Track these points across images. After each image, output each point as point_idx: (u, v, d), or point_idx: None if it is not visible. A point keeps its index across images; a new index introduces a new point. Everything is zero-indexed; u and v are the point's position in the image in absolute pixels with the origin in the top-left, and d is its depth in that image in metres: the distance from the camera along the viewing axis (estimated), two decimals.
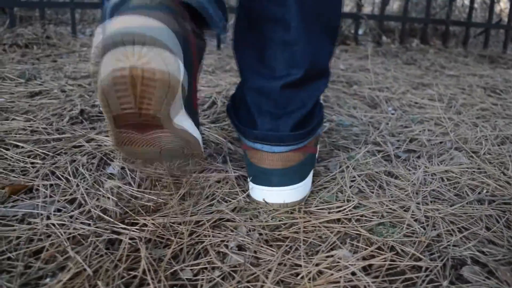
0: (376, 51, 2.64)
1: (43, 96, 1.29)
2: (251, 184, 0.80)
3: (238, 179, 0.87)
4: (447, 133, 1.21)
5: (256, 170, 0.79)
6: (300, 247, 0.67)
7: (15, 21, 2.19)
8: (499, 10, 3.93)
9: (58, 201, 0.75)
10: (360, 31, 3.05)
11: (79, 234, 0.67)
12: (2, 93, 1.28)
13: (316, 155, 0.91)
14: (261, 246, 0.67)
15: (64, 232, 0.67)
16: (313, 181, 0.87)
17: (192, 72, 0.69)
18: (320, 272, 0.62)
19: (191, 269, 0.62)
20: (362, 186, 0.87)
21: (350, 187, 0.87)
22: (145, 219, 0.71)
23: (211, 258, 0.64)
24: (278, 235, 0.70)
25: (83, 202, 0.76)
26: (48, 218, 0.71)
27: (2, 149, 0.92)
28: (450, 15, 2.99)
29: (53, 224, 0.69)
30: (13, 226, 0.68)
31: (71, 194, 0.78)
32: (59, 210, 0.73)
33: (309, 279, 0.60)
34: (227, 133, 1.10)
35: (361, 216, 0.77)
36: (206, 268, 0.62)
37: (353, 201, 0.81)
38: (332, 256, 0.65)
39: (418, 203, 0.82)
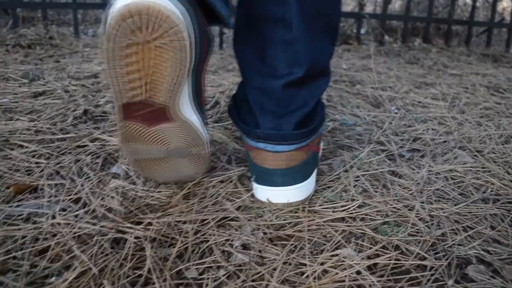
0: (378, 51, 2.64)
1: (46, 96, 1.29)
2: (254, 185, 0.80)
3: (242, 178, 0.87)
4: (451, 132, 1.21)
5: (259, 170, 0.79)
6: (305, 246, 0.67)
7: (18, 22, 2.20)
8: (501, 9, 3.93)
9: (63, 201, 0.76)
10: (362, 31, 3.05)
11: (84, 233, 0.67)
12: (6, 93, 1.28)
13: (319, 154, 0.91)
14: (266, 245, 0.67)
15: (70, 231, 0.67)
16: (317, 180, 0.87)
17: (201, 61, 0.70)
18: (325, 271, 0.62)
19: (196, 268, 0.62)
20: (366, 185, 0.87)
21: (354, 186, 0.87)
22: (150, 218, 0.71)
23: (216, 257, 0.64)
24: (283, 234, 0.71)
25: (88, 201, 0.76)
26: (53, 217, 0.71)
27: (6, 149, 0.92)
28: (452, 14, 2.99)
29: (58, 223, 0.69)
30: (18, 225, 0.68)
31: (75, 194, 0.78)
32: (64, 210, 0.73)
33: (314, 278, 0.60)
34: (231, 132, 1.10)
35: (366, 215, 0.77)
36: (211, 267, 0.62)
37: (358, 200, 0.81)
38: (337, 255, 0.65)
39: (423, 202, 0.82)
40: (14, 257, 0.61)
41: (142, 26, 0.59)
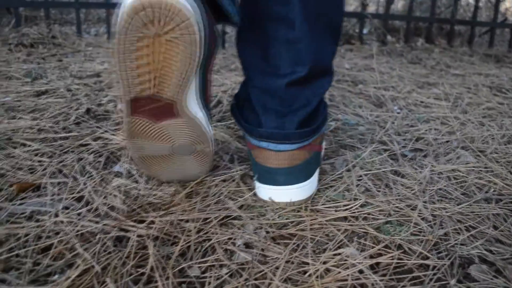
0: (381, 50, 2.63)
1: (49, 95, 1.29)
2: (257, 184, 0.80)
3: (245, 177, 0.87)
4: (454, 132, 1.21)
5: (262, 169, 0.79)
6: (307, 245, 0.67)
7: (20, 21, 2.20)
8: (504, 9, 3.92)
9: (66, 199, 0.76)
10: (365, 30, 3.05)
11: (87, 232, 0.67)
12: (8, 92, 1.28)
13: (322, 153, 0.91)
14: (269, 244, 0.67)
15: (72, 230, 0.67)
16: (319, 180, 0.87)
17: (208, 57, 0.70)
18: (327, 270, 0.62)
19: (198, 267, 0.62)
20: (369, 185, 0.87)
21: (356, 185, 0.86)
22: (152, 217, 0.72)
23: (218, 256, 0.64)
24: (285, 233, 0.71)
25: (90, 200, 0.76)
26: (56, 215, 0.71)
27: (9, 148, 0.92)
28: (455, 14, 2.98)
29: (61, 222, 0.69)
30: (21, 223, 0.68)
31: (78, 192, 0.78)
32: (66, 208, 0.73)
33: (317, 277, 0.60)
34: (233, 131, 1.10)
35: (368, 214, 0.77)
36: (213, 265, 0.62)
37: (360, 199, 0.81)
38: (339, 254, 0.65)
39: (425, 202, 0.82)
40: (17, 255, 0.61)
41: (154, 19, 0.60)
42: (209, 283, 0.59)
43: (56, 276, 0.58)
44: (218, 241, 0.67)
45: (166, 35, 0.62)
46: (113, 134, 1.01)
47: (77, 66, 1.67)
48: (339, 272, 0.61)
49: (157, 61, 0.64)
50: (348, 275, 0.60)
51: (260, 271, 0.61)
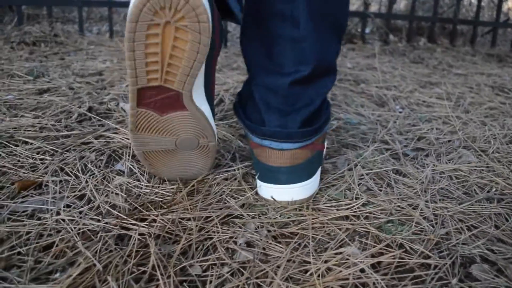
0: (383, 50, 2.63)
1: (51, 93, 1.29)
2: (258, 182, 0.80)
3: (246, 176, 0.87)
4: (455, 132, 1.21)
5: (263, 168, 0.79)
6: (309, 244, 0.67)
7: (22, 19, 2.20)
8: (506, 9, 3.91)
9: (68, 197, 0.76)
10: (367, 30, 3.04)
11: (88, 230, 0.67)
12: (10, 90, 1.28)
13: (324, 153, 0.91)
14: (270, 243, 0.67)
15: (74, 228, 0.67)
16: (321, 179, 0.87)
17: (214, 50, 0.71)
18: (329, 269, 0.62)
19: (200, 265, 0.62)
20: (370, 184, 0.87)
21: (358, 184, 0.86)
22: (154, 215, 0.72)
23: (220, 254, 0.64)
24: (287, 232, 0.70)
25: (92, 198, 0.76)
26: (58, 213, 0.71)
27: (11, 146, 0.92)
28: (457, 14, 2.98)
29: (63, 220, 0.69)
30: (23, 221, 0.68)
31: (80, 190, 0.78)
32: (68, 206, 0.74)
33: (318, 275, 0.60)
34: (235, 130, 1.10)
35: (370, 213, 0.77)
36: (215, 264, 0.62)
37: (362, 198, 0.81)
38: (341, 253, 0.65)
39: (427, 201, 0.82)
40: (19, 253, 0.62)
41: (165, 6, 0.61)
42: (211, 281, 0.59)
43: (58, 274, 0.58)
44: (220, 239, 0.67)
45: (176, 23, 0.62)
46: (115, 133, 1.01)
47: (79, 65, 1.67)
48: (341, 271, 0.61)
49: (166, 50, 0.65)
50: (349, 274, 0.60)
51: (262, 270, 0.61)
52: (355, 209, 0.77)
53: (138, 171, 0.86)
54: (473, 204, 0.82)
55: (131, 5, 0.61)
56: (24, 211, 0.71)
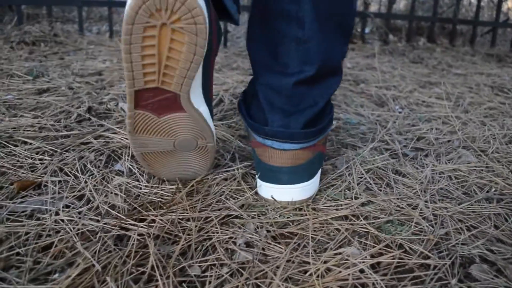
0: (383, 50, 2.63)
1: (50, 93, 1.29)
2: (259, 182, 0.80)
3: (246, 176, 0.87)
4: (455, 132, 1.21)
5: (265, 167, 0.79)
6: (308, 245, 0.67)
7: (22, 19, 2.20)
8: (506, 9, 3.91)
9: (67, 197, 0.76)
10: (367, 30, 3.04)
11: (87, 230, 0.67)
12: (10, 90, 1.28)
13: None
14: (269, 243, 0.67)
15: (73, 228, 0.67)
16: (320, 179, 0.87)
17: (212, 50, 0.70)
18: (328, 270, 0.62)
19: (199, 266, 0.62)
20: (370, 184, 0.87)
21: (357, 184, 0.86)
22: (153, 215, 0.71)
23: (219, 255, 0.64)
24: (286, 232, 0.70)
25: (91, 198, 0.76)
26: (57, 214, 0.71)
27: (10, 146, 0.92)
28: (457, 14, 2.98)
29: (62, 220, 0.69)
30: (22, 221, 0.68)
31: (79, 191, 0.78)
32: (67, 206, 0.73)
33: (318, 276, 0.60)
34: (235, 130, 1.10)
35: (369, 213, 0.77)
36: (214, 264, 0.62)
37: (361, 198, 0.81)
38: (340, 253, 0.65)
39: (426, 201, 0.82)
40: (18, 253, 0.61)
41: (161, 8, 0.61)
42: (210, 282, 0.58)
43: (57, 275, 0.58)
44: (219, 240, 0.67)
45: (172, 24, 0.62)
46: (115, 133, 1.01)
47: (79, 64, 1.67)
48: (340, 272, 0.61)
49: (163, 52, 0.65)
50: (348, 274, 0.60)
51: (261, 271, 0.61)
52: (355, 209, 0.77)
53: (138, 171, 0.86)
54: (472, 204, 0.82)
55: (127, 7, 0.61)
56: (23, 211, 0.71)
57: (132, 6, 0.60)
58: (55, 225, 0.68)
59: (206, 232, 0.69)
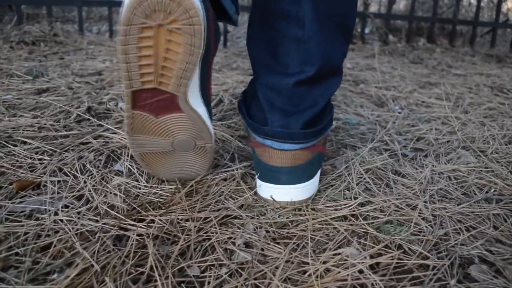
0: (382, 50, 2.63)
1: (50, 93, 1.29)
2: (258, 182, 0.80)
3: (245, 176, 0.87)
4: (455, 132, 1.21)
5: (264, 168, 0.79)
6: (307, 245, 0.67)
7: (22, 19, 2.20)
8: (506, 9, 3.91)
9: (66, 197, 0.76)
10: (367, 30, 3.04)
11: (86, 230, 0.67)
12: (9, 90, 1.28)
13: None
14: (268, 244, 0.67)
15: (72, 228, 0.67)
16: (320, 179, 0.87)
17: (209, 51, 0.70)
18: (327, 270, 0.62)
19: (198, 266, 0.62)
20: (369, 184, 0.87)
21: (357, 185, 0.86)
22: (152, 216, 0.71)
23: (218, 255, 0.64)
24: (286, 232, 0.70)
25: (90, 198, 0.76)
26: (56, 214, 0.71)
27: (10, 146, 0.92)
28: (457, 14, 2.98)
29: (61, 220, 0.69)
30: (21, 221, 0.68)
31: (78, 191, 0.78)
32: (66, 206, 0.73)
33: (317, 276, 0.60)
34: (234, 130, 1.10)
35: (368, 214, 0.77)
36: (213, 265, 0.62)
37: (360, 199, 0.81)
38: (339, 254, 0.65)
39: (426, 202, 0.82)
40: (17, 254, 0.61)
41: (157, 9, 0.61)
42: (209, 282, 0.58)
43: (55, 275, 0.58)
44: (218, 240, 0.67)
45: (169, 25, 0.62)
46: (114, 133, 1.01)
47: (79, 64, 1.67)
48: (339, 272, 0.61)
49: (160, 53, 0.65)
50: (348, 275, 0.60)
51: (260, 271, 0.61)
52: (354, 209, 0.77)
53: (137, 172, 0.86)
54: (471, 204, 0.82)
55: (123, 8, 0.61)
56: (22, 212, 0.71)
57: (129, 7, 0.60)
58: (54, 225, 0.68)
59: (205, 233, 0.69)
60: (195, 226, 0.69)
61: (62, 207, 0.73)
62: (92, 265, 0.59)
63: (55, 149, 0.92)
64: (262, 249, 0.66)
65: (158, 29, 0.62)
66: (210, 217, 0.73)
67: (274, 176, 0.77)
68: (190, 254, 0.64)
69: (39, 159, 0.88)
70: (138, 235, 0.67)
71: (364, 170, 0.93)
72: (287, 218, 0.75)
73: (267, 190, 0.78)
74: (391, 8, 2.83)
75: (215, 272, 0.60)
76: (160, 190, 0.80)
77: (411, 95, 1.61)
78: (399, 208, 0.79)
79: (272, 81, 0.77)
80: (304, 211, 0.77)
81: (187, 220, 0.72)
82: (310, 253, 0.65)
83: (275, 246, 0.67)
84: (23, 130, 1.00)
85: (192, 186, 0.81)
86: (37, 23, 2.27)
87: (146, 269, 0.59)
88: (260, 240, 0.67)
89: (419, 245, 0.68)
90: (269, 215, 0.75)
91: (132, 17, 0.61)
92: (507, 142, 1.15)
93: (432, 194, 0.85)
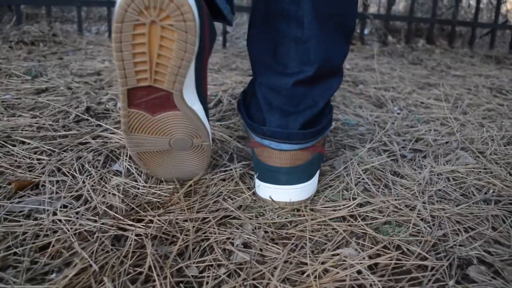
0: (382, 51, 2.63)
1: (49, 93, 1.29)
2: (257, 182, 0.80)
3: (244, 177, 0.87)
4: (453, 133, 1.21)
5: (264, 168, 0.78)
6: (306, 245, 0.67)
7: (21, 19, 2.20)
8: (505, 11, 3.92)
9: (64, 197, 0.76)
10: (366, 31, 3.05)
11: (85, 230, 0.67)
12: (8, 89, 1.28)
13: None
14: (267, 244, 0.67)
15: (70, 228, 0.67)
16: (319, 180, 0.87)
17: (204, 48, 0.70)
18: (326, 271, 0.62)
19: (196, 266, 0.61)
20: (368, 185, 0.87)
21: (356, 185, 0.86)
22: (151, 216, 0.71)
23: (216, 256, 0.64)
24: (284, 233, 0.70)
25: (89, 198, 0.76)
26: (55, 214, 0.71)
27: (8, 145, 0.92)
28: (456, 16, 2.98)
29: (59, 220, 0.69)
30: (19, 221, 0.68)
31: (77, 191, 0.78)
32: (65, 206, 0.73)
33: (315, 277, 0.60)
34: (233, 131, 1.10)
35: (367, 215, 0.77)
36: (211, 265, 0.62)
37: (359, 200, 0.81)
38: (338, 254, 0.65)
39: (424, 203, 0.82)
40: (15, 253, 0.61)
41: (150, 6, 0.61)
42: (207, 282, 0.58)
43: (54, 275, 0.58)
44: (217, 240, 0.67)
45: (162, 22, 0.62)
46: (113, 133, 1.01)
47: (78, 64, 1.67)
48: (338, 273, 0.61)
49: (154, 50, 0.65)
50: (346, 275, 0.60)
51: (258, 271, 0.61)
52: (353, 210, 0.77)
53: (136, 172, 0.86)
54: (470, 205, 0.82)
55: (116, 6, 0.62)
56: (20, 211, 0.71)
57: (122, 5, 0.61)
58: (53, 225, 0.68)
59: (204, 233, 0.69)
60: (193, 226, 0.69)
61: (60, 207, 0.73)
62: (91, 265, 0.59)
63: (54, 149, 0.92)
64: (261, 250, 0.66)
65: (151, 26, 0.63)
66: (208, 217, 0.73)
67: (273, 176, 0.77)
68: (188, 254, 0.64)
69: (38, 159, 0.88)
70: (136, 235, 0.67)
71: (362, 170, 0.93)
72: (285, 218, 0.75)
73: (266, 190, 0.78)
74: (390, 9, 2.84)
75: (213, 272, 0.60)
76: (159, 190, 0.80)
77: (410, 96, 1.61)
78: (397, 209, 0.79)
79: (272, 81, 0.77)
80: (302, 211, 0.77)
81: (186, 220, 0.72)
82: (309, 254, 0.65)
83: (273, 246, 0.67)
84: (22, 130, 1.00)
85: (190, 186, 0.81)
86: (36, 23, 2.27)
87: (144, 269, 0.59)
88: (258, 241, 0.67)
89: (417, 246, 0.68)
90: (267, 216, 0.75)
91: (125, 14, 0.61)
92: (506, 143, 1.15)
93: (430, 195, 0.85)
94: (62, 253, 0.62)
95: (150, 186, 0.81)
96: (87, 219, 0.70)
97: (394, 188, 0.87)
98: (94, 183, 0.81)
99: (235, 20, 3.27)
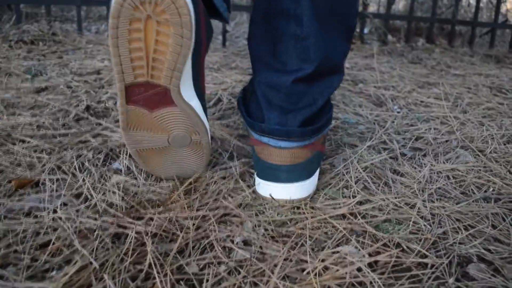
0: (381, 50, 2.63)
1: (49, 92, 1.29)
2: (257, 180, 0.80)
3: (244, 175, 0.87)
4: (453, 132, 1.21)
5: (264, 165, 0.79)
6: (306, 243, 0.67)
7: (21, 18, 2.20)
8: (505, 10, 3.92)
9: (64, 195, 0.76)
10: (366, 30, 3.04)
11: (85, 228, 0.67)
12: (8, 88, 1.28)
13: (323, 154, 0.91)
14: (267, 242, 0.67)
15: (71, 226, 0.67)
16: (318, 178, 0.87)
17: (201, 43, 0.70)
18: (326, 268, 0.62)
19: (197, 264, 0.62)
20: (368, 183, 0.87)
21: (355, 183, 0.86)
22: (151, 213, 0.71)
23: (216, 253, 0.64)
24: (284, 230, 0.70)
25: (89, 196, 0.76)
26: (55, 211, 0.71)
27: (9, 144, 0.92)
28: (456, 15, 2.98)
29: (60, 218, 0.69)
30: (19, 219, 0.68)
31: (77, 189, 0.78)
32: (65, 204, 0.73)
33: (315, 274, 0.60)
34: (233, 129, 1.10)
35: (367, 212, 0.77)
36: (212, 263, 0.62)
37: (359, 198, 0.81)
38: (338, 252, 0.65)
39: (424, 201, 0.82)
40: (15, 251, 0.61)
41: (145, 0, 0.61)
42: (207, 280, 0.58)
43: (54, 272, 0.58)
44: (217, 238, 0.67)
45: (157, 17, 0.63)
46: (113, 131, 1.01)
47: (77, 63, 1.67)
48: (338, 270, 0.61)
49: (150, 45, 0.65)
50: (346, 273, 0.60)
51: (259, 269, 0.61)
52: (352, 208, 0.77)
53: (135, 170, 0.86)
54: (470, 203, 0.82)
55: (112, 1, 0.62)
56: (20, 209, 0.71)
57: (117, 0, 0.61)
58: (53, 223, 0.68)
59: (204, 231, 0.69)
60: (193, 224, 0.69)
61: (60, 205, 0.73)
62: (91, 263, 0.59)
63: (54, 148, 0.92)
64: (261, 247, 0.66)
65: (147, 20, 0.63)
66: (208, 215, 0.73)
67: (273, 174, 0.77)
68: (188, 252, 0.64)
69: (38, 157, 0.88)
70: (136, 233, 0.67)
71: (362, 169, 0.93)
72: (285, 216, 0.75)
73: (266, 188, 0.78)
74: (390, 8, 2.84)
75: (213, 269, 0.60)
76: (159, 188, 0.80)
77: (410, 94, 1.61)
78: (397, 207, 0.79)
79: (271, 79, 0.77)
80: (303, 209, 0.77)
81: (186, 218, 0.72)
82: (309, 251, 0.65)
83: (273, 244, 0.67)
84: (22, 129, 1.00)
85: (190, 184, 0.81)
86: (36, 22, 2.26)
87: (144, 266, 0.59)
88: (258, 238, 0.67)
89: (417, 244, 0.68)
90: (267, 213, 0.75)
91: (121, 9, 0.61)
92: (506, 142, 1.15)
93: (430, 193, 0.85)
94: (63, 251, 0.62)
95: (150, 184, 0.81)
96: (87, 217, 0.70)
97: (394, 186, 0.87)
98: (94, 181, 0.81)
99: (235, 19, 3.27)
